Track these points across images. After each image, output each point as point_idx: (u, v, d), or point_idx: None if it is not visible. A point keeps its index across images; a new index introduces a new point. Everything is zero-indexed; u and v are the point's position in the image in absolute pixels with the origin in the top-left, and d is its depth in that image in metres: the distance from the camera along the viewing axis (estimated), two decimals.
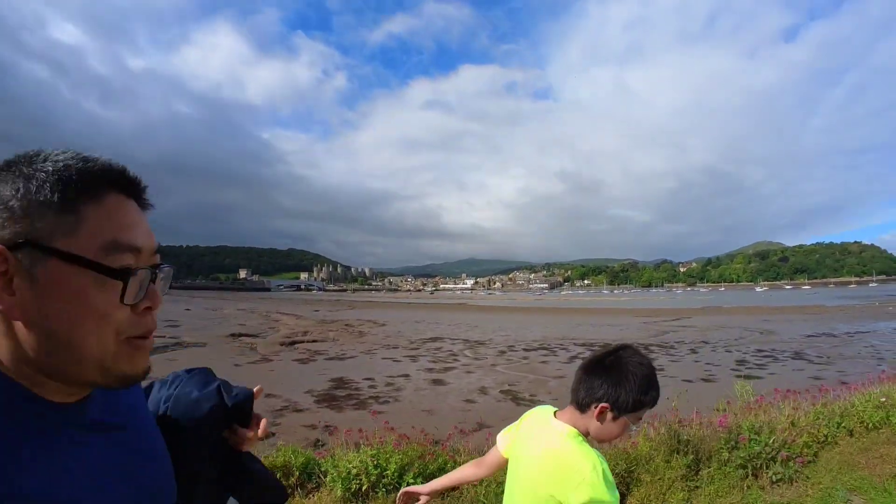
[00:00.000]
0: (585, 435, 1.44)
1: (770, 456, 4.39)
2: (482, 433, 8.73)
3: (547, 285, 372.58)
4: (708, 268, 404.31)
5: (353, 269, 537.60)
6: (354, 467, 3.93)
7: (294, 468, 4.07)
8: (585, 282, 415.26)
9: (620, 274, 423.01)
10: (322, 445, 6.38)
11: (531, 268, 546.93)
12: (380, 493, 3.88)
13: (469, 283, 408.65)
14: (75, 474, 0.60)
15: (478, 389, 12.16)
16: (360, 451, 4.14)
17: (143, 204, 0.66)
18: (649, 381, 1.41)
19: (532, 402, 10.73)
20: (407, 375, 14.07)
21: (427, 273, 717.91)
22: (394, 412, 9.26)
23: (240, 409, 0.92)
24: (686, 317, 38.83)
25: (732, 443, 4.48)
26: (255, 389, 0.96)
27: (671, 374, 13.49)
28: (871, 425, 5.17)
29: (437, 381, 13.32)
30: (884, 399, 5.51)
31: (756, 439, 4.46)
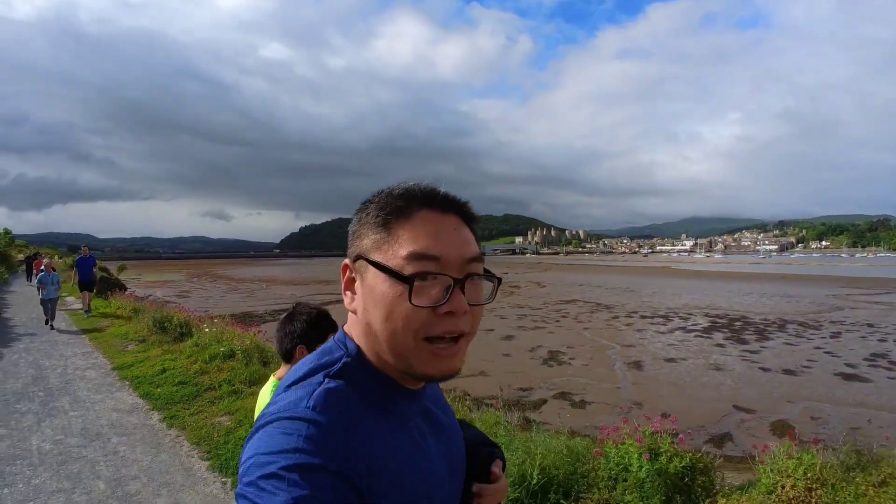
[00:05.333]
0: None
1: None
2: (478, 379, 9.62)
3: (776, 247, 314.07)
4: None
5: (567, 232, 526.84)
6: None
7: None
8: (823, 243, 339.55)
9: (867, 233, 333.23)
10: None
11: (762, 226, 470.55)
12: None
13: (688, 244, 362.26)
14: (421, 454, 0.69)
15: (530, 349, 12.55)
16: None
17: (466, 217, 0.71)
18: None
19: (565, 364, 10.98)
20: (491, 330, 14.96)
21: (647, 234, 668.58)
22: None
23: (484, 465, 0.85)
24: None
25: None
26: (494, 468, 0.86)
27: (758, 361, 11.15)
28: None
29: (507, 337, 14.12)
30: None
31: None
